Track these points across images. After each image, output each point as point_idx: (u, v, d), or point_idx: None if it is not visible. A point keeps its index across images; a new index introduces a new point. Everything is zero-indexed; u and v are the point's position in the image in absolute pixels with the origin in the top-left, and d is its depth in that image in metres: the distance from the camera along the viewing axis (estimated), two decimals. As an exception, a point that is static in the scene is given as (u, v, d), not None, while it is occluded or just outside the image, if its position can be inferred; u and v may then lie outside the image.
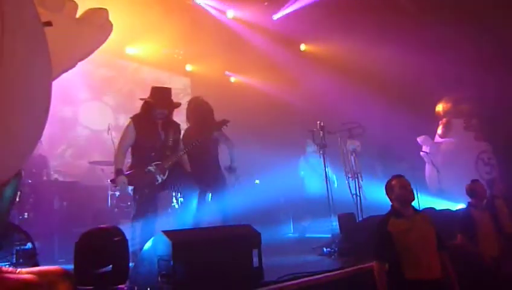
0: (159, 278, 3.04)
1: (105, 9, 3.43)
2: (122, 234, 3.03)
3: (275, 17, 8.93)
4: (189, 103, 5.32)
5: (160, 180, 4.40)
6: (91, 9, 3.33)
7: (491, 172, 7.73)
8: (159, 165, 4.39)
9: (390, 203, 3.77)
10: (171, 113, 4.62)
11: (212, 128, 4.87)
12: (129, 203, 7.21)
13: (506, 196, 5.70)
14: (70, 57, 3.08)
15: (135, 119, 4.50)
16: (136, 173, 4.36)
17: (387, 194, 3.78)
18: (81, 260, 2.93)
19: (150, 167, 4.36)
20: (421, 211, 3.93)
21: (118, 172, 4.32)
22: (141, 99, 4.64)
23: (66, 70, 3.34)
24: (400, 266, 3.41)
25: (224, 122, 4.87)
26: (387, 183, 3.82)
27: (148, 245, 3.35)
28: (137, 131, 4.41)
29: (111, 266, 2.87)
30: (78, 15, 3.25)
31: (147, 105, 4.53)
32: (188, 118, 5.24)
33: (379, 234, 3.60)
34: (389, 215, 3.66)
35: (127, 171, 4.41)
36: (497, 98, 7.31)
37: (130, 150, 4.51)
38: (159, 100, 4.50)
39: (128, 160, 4.65)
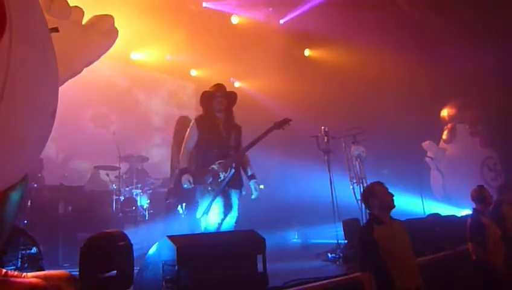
0: (164, 283, 3.04)
1: (111, 15, 3.45)
2: (127, 238, 3.03)
3: (282, 21, 8.96)
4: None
5: (222, 177, 4.42)
6: (97, 15, 3.36)
7: (496, 178, 7.68)
8: (221, 163, 4.45)
9: (368, 210, 3.67)
10: (230, 106, 4.71)
11: (273, 128, 4.68)
12: (133, 207, 7.26)
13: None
14: (77, 62, 3.10)
15: (198, 119, 4.67)
16: (201, 171, 4.47)
17: (367, 199, 3.65)
18: (86, 265, 2.93)
19: (213, 166, 4.44)
20: (395, 218, 3.78)
21: (183, 170, 4.49)
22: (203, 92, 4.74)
23: (73, 76, 3.35)
24: (388, 275, 3.30)
25: (286, 120, 4.69)
26: (368, 189, 3.74)
27: (153, 250, 3.36)
28: (200, 131, 4.57)
29: (116, 271, 2.87)
30: (84, 21, 3.27)
31: (206, 97, 4.65)
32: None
33: (364, 242, 3.47)
34: (371, 222, 3.56)
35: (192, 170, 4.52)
36: (502, 104, 7.28)
37: (195, 152, 4.64)
38: (215, 90, 4.65)
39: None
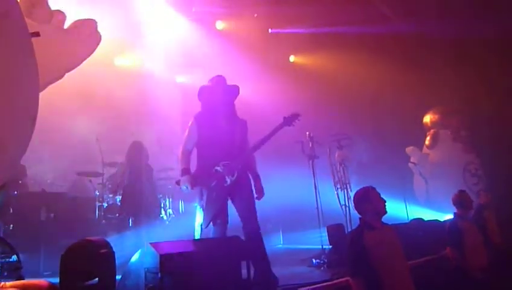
0: (146, 291, 3.01)
1: (93, 20, 3.42)
2: (109, 246, 2.99)
3: (270, 30, 8.99)
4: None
5: (229, 182, 3.99)
6: (79, 20, 3.32)
7: (478, 183, 7.81)
8: (227, 165, 4.02)
9: (360, 215, 3.58)
10: (232, 100, 4.32)
11: (282, 125, 4.29)
12: (117, 214, 7.18)
13: (493, 207, 5.75)
14: (58, 67, 3.06)
15: (197, 116, 4.25)
16: (203, 172, 4.06)
17: (361, 204, 3.54)
18: (67, 273, 2.88)
19: (217, 167, 4.02)
20: (386, 223, 3.68)
21: (184, 171, 4.07)
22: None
23: (55, 81, 3.30)
24: (379, 281, 3.23)
25: (296, 116, 4.32)
26: (363, 193, 3.58)
27: (135, 257, 3.32)
28: (200, 129, 4.16)
29: (97, 279, 2.83)
30: (66, 26, 3.23)
31: (205, 91, 4.28)
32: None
33: (354, 249, 3.39)
34: (362, 228, 3.49)
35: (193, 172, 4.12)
36: (485, 110, 7.42)
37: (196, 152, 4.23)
38: (215, 83, 4.29)
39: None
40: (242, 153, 4.11)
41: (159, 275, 2.97)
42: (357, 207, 3.57)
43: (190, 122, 4.27)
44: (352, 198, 3.76)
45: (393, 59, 8.18)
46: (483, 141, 7.66)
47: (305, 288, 3.93)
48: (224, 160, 4.03)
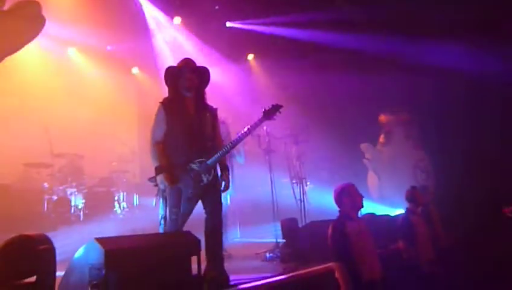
0: (90, 288, 2.89)
1: (38, 1, 3.20)
2: (49, 242, 2.84)
3: (228, 24, 8.87)
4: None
5: (205, 181, 3.75)
6: (22, 1, 3.10)
7: (427, 179, 8.10)
8: (203, 162, 3.74)
9: (339, 207, 4.00)
10: (203, 85, 3.97)
11: (263, 119, 3.94)
12: (67, 207, 6.92)
13: (438, 203, 5.99)
14: (-4, 51, 2.85)
15: (165, 102, 3.86)
16: (176, 168, 3.74)
17: (341, 198, 3.98)
18: (3, 270, 2.72)
19: (192, 165, 3.72)
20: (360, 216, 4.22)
21: (158, 169, 3.73)
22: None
23: (-8, 65, 3.06)
24: (357, 267, 3.70)
25: (276, 108, 3.94)
26: (343, 188, 4.03)
27: (79, 253, 3.18)
28: (168, 116, 3.78)
29: (35, 276, 2.69)
30: (6, 7, 3.01)
31: (172, 73, 3.92)
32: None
33: (338, 236, 3.81)
34: (342, 218, 3.93)
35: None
36: (432, 108, 7.69)
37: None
38: (183, 64, 3.94)
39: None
40: (216, 148, 3.84)
41: (103, 271, 2.86)
42: (337, 200, 4.01)
43: (157, 109, 3.87)
44: (333, 192, 4.09)
45: (352, 62, 8.30)
46: (432, 137, 7.94)
47: (286, 275, 4.16)
48: (198, 153, 3.76)
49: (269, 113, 3.90)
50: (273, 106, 3.94)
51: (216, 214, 3.84)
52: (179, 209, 3.73)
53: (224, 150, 3.82)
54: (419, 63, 7.28)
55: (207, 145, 3.82)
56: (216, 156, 3.78)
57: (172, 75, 3.93)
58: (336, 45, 8.11)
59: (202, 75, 3.98)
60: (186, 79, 3.84)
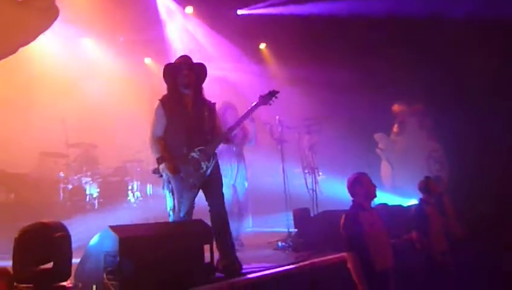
0: (105, 275, 2.95)
1: (51, -7, 3.22)
2: (65, 229, 2.91)
3: (240, 12, 8.83)
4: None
5: (205, 168, 3.88)
6: (36, -9, 3.12)
7: (441, 170, 8.01)
8: (202, 150, 3.89)
9: (352, 197, 3.94)
10: (200, 81, 4.10)
11: (258, 104, 4.18)
12: (82, 196, 7.03)
13: (452, 194, 5.92)
14: (11, 41, 2.90)
15: (164, 99, 4.02)
16: (179, 159, 3.86)
17: (354, 188, 3.91)
18: (20, 257, 2.80)
19: (193, 153, 3.87)
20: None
21: (162, 159, 3.86)
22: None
23: (7, 56, 3.13)
24: (369, 257, 3.66)
25: (273, 93, 4.19)
26: (356, 177, 3.96)
27: (94, 240, 3.25)
28: (168, 112, 3.94)
29: (52, 262, 2.75)
30: (21, -2, 3.04)
31: (170, 70, 4.06)
32: None
33: (351, 225, 3.77)
34: (356, 208, 3.89)
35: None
36: (447, 98, 7.58)
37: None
38: (180, 61, 4.09)
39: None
40: (216, 137, 4.00)
41: (118, 258, 2.92)
42: (350, 190, 3.95)
43: (156, 106, 4.04)
44: (346, 181, 4.02)
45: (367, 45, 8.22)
46: (447, 128, 7.84)
47: (299, 264, 4.21)
48: (195, 146, 3.89)
49: (265, 99, 4.15)
50: (269, 91, 4.19)
51: (218, 205, 3.98)
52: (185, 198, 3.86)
53: (221, 136, 4.03)
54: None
55: (206, 139, 3.96)
56: (215, 142, 3.97)
57: (170, 72, 4.07)
58: (349, 30, 8.05)
59: (199, 71, 4.12)
60: (183, 76, 3.97)
